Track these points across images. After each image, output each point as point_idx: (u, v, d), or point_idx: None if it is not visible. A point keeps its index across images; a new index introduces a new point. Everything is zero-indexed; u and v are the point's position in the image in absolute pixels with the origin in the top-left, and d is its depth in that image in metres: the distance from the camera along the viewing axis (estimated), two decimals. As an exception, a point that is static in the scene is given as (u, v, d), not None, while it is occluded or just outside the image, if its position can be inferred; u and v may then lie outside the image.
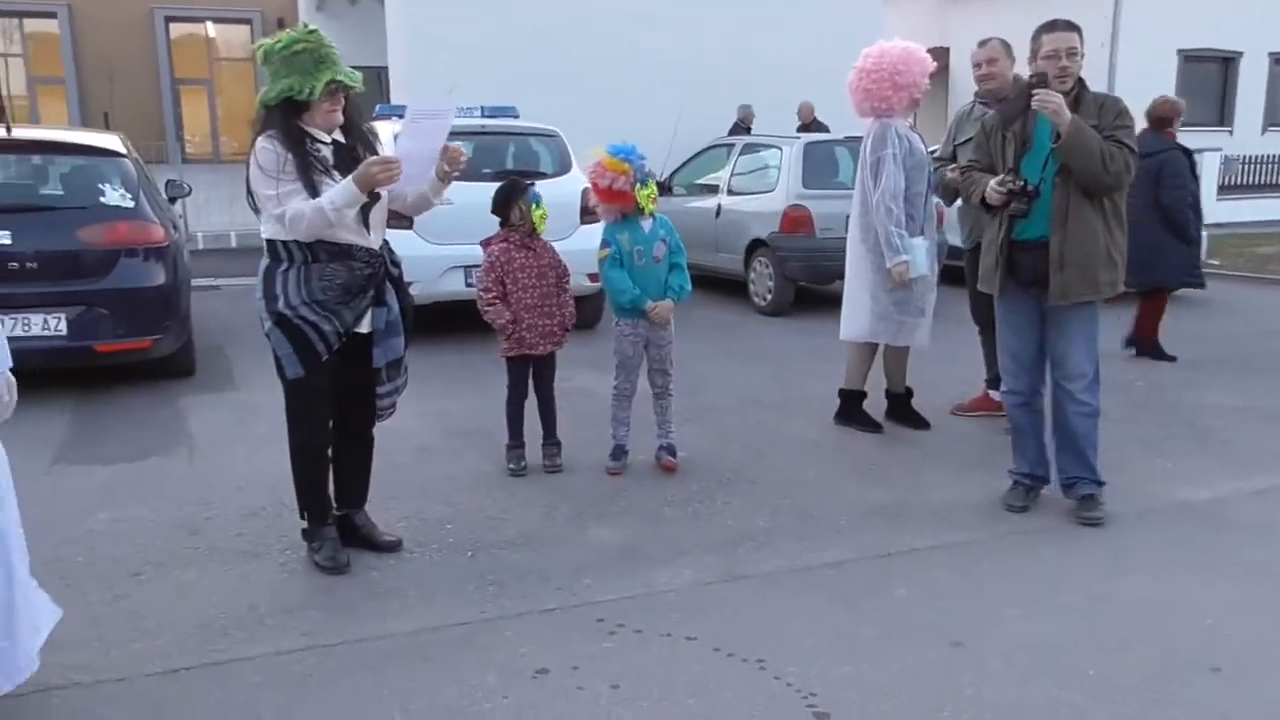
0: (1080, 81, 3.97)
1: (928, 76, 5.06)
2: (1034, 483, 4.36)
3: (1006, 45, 5.29)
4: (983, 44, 5.34)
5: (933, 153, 5.57)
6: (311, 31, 3.35)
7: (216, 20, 25.34)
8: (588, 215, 7.60)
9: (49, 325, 5.74)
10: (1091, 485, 4.20)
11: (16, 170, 6.52)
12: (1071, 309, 4.04)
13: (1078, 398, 4.12)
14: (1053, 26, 3.99)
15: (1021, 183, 3.90)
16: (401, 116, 7.69)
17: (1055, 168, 3.90)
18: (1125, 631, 3.24)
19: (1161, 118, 6.99)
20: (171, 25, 24.65)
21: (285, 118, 3.33)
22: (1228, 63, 19.16)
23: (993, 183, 3.96)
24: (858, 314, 5.29)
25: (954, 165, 5.11)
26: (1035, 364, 4.25)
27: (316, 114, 3.36)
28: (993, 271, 4.17)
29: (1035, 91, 3.81)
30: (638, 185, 4.53)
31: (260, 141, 3.36)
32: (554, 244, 4.86)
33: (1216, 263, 11.74)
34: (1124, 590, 3.57)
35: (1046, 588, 3.59)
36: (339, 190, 3.30)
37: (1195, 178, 7.09)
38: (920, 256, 5.09)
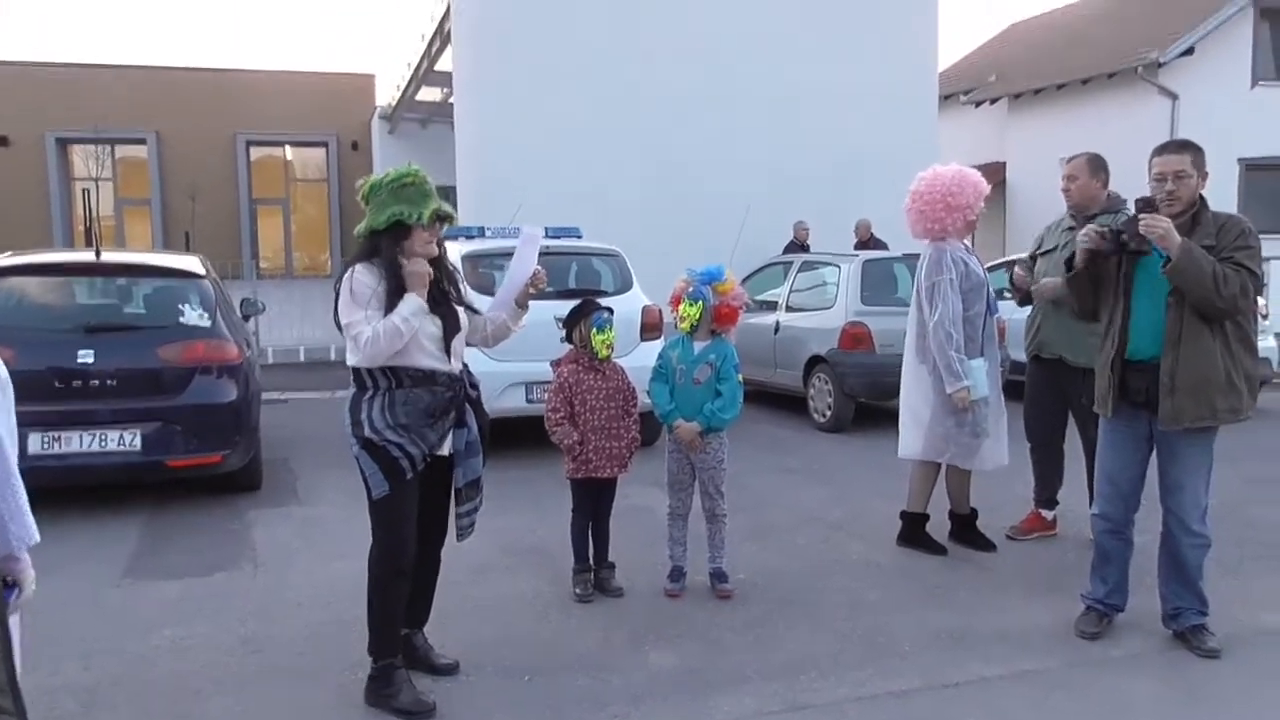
0: (1201, 200, 3.88)
1: (982, 199, 5.11)
2: (1108, 609, 4.22)
3: (1095, 162, 5.25)
4: (1070, 159, 5.34)
5: (993, 267, 5.58)
6: (417, 170, 3.54)
7: (294, 144, 26.55)
8: (648, 333, 7.72)
9: (124, 441, 5.91)
10: (1200, 615, 4.03)
11: (102, 291, 6.82)
12: (1187, 435, 3.88)
13: (1193, 529, 3.95)
14: (1163, 149, 3.94)
15: (1120, 230, 3.84)
16: (470, 237, 8.03)
17: (1169, 288, 3.80)
18: (1210, 772, 3.09)
19: None
20: (252, 149, 25.87)
21: (390, 243, 3.48)
22: (1292, 171, 19.02)
23: (1085, 233, 3.93)
24: (916, 432, 5.26)
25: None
26: (1133, 491, 4.11)
27: (417, 242, 3.49)
28: (1105, 393, 4.02)
29: (1141, 216, 3.75)
30: (686, 302, 4.62)
31: (359, 268, 3.50)
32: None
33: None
34: (1207, 727, 3.41)
35: (1124, 723, 3.45)
36: (404, 306, 3.41)
37: None
38: (981, 378, 5.06)
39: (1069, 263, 4.11)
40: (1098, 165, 5.26)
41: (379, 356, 3.45)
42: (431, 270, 3.51)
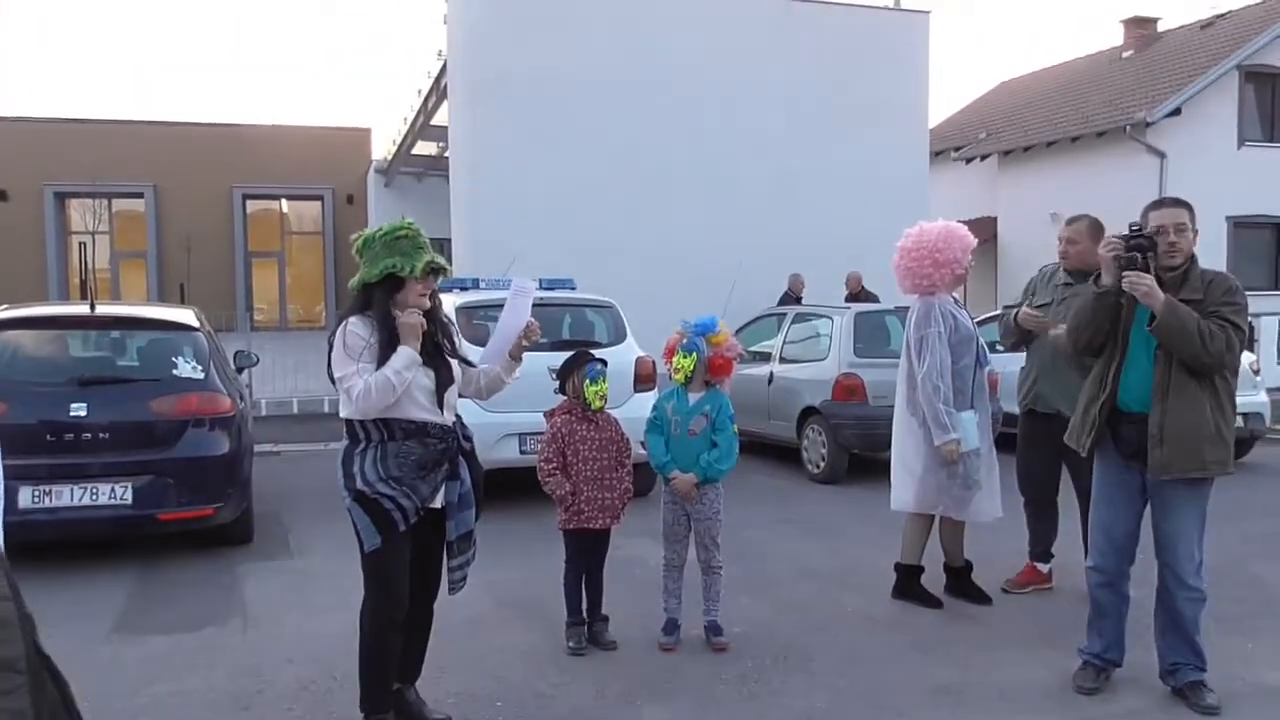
0: (1191, 257, 3.94)
1: (969, 253, 5.16)
2: (1105, 664, 4.18)
3: (1096, 226, 5.26)
4: (1070, 221, 5.37)
5: (984, 320, 5.60)
6: (410, 223, 3.58)
7: (290, 197, 26.78)
8: (641, 384, 7.73)
9: (115, 494, 5.86)
10: (1198, 671, 3.99)
11: (96, 344, 6.82)
12: (1180, 487, 3.90)
13: (1188, 583, 3.94)
14: (1160, 204, 4.02)
15: (1138, 227, 3.85)
16: (464, 289, 8.06)
17: (1157, 341, 3.85)
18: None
19: None
20: (248, 202, 26.08)
21: (383, 295, 3.51)
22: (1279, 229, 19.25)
23: (1107, 243, 3.89)
24: (908, 484, 5.26)
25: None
26: (1127, 544, 4.11)
27: (410, 294, 3.52)
28: (1081, 428, 4.06)
29: (1126, 274, 3.80)
30: (680, 354, 4.64)
31: (352, 320, 3.52)
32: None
33: (1282, 429, 11.48)
34: (1208, 784, 3.37)
35: (1124, 780, 3.40)
36: (397, 358, 3.43)
37: None
38: (970, 430, 5.08)
39: (1097, 279, 4.06)
40: (1098, 230, 5.27)
41: (371, 410, 3.45)
42: (425, 322, 3.52)
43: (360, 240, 3.57)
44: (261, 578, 5.89)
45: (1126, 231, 3.90)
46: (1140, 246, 3.83)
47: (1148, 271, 3.79)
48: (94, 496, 5.83)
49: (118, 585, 5.68)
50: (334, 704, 3.97)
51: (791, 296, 13.09)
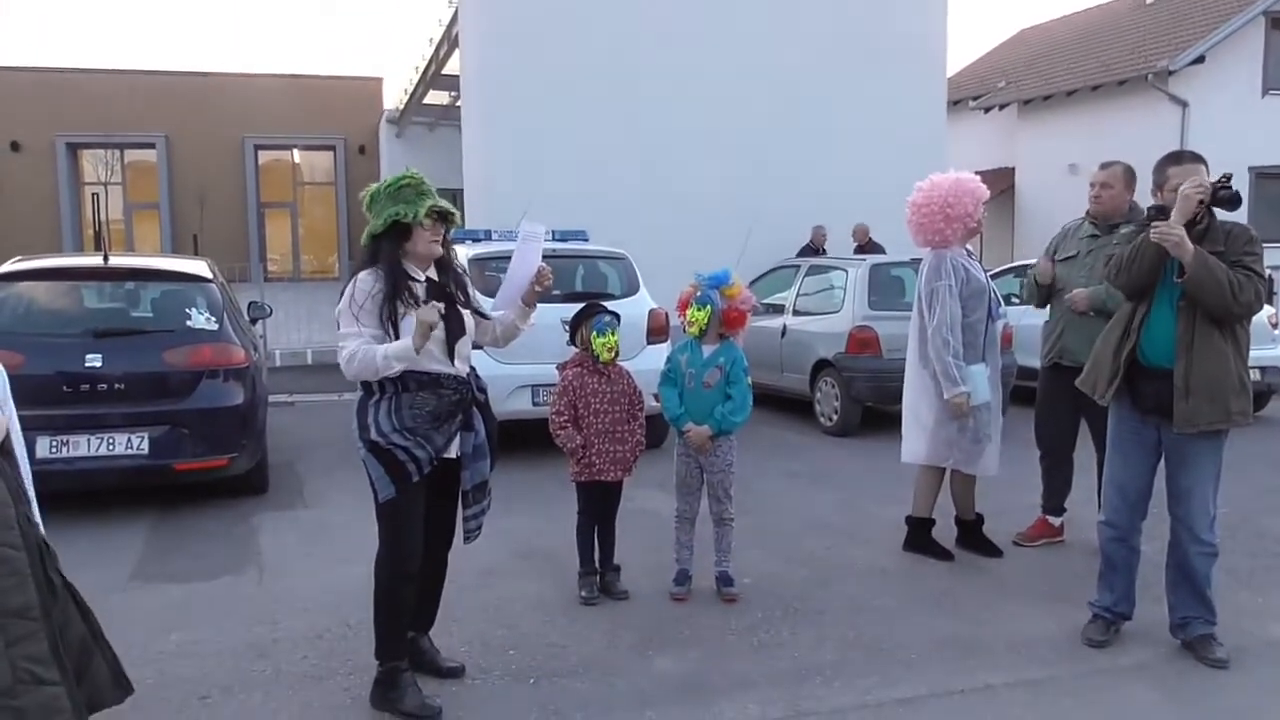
0: (1209, 211, 3.90)
1: (981, 205, 5.11)
2: (1115, 618, 4.20)
3: (1130, 173, 5.25)
4: (1104, 166, 5.33)
5: (999, 273, 5.55)
6: (414, 172, 3.55)
7: (302, 147, 26.61)
8: (654, 336, 7.72)
9: (132, 444, 5.92)
10: (1208, 625, 4.00)
11: (110, 295, 6.84)
12: (1198, 441, 3.88)
13: (1201, 538, 3.94)
14: (1180, 159, 3.99)
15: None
16: (476, 240, 8.03)
17: (1180, 294, 3.82)
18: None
19: None
20: (260, 153, 25.95)
21: (391, 246, 3.49)
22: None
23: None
24: (919, 437, 5.26)
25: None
26: (1140, 499, 4.10)
27: (419, 242, 3.50)
28: (1099, 376, 4.02)
29: (1154, 225, 3.76)
30: (694, 307, 4.62)
31: (361, 276, 3.51)
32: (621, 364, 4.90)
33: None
34: (1215, 736, 3.39)
35: (1131, 731, 3.42)
36: (397, 346, 3.38)
37: None
38: (980, 383, 5.06)
39: (1150, 219, 3.95)
40: (1131, 176, 5.26)
41: (349, 374, 3.45)
42: (441, 322, 3.43)
43: (368, 196, 3.56)
44: (276, 527, 5.95)
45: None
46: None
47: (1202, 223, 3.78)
48: (110, 446, 5.88)
49: (134, 535, 5.74)
50: (349, 652, 4.02)
51: (813, 249, 12.99)
